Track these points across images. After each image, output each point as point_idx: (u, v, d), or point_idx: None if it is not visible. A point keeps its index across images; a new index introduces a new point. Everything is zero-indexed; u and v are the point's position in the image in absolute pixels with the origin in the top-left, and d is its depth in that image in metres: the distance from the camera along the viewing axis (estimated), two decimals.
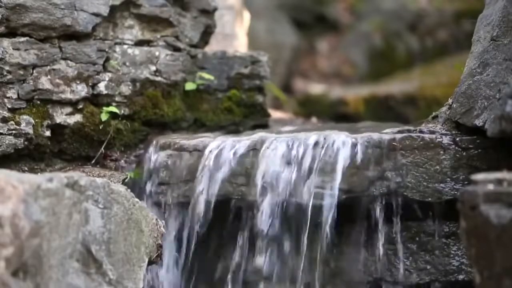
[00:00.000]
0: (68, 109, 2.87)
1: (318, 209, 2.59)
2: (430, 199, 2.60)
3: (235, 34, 4.16)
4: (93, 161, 2.91)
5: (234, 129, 3.13)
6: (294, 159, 2.63)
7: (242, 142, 2.71)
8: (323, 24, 7.18)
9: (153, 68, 3.02)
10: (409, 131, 2.68)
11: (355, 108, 5.46)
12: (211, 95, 3.14)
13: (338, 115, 5.33)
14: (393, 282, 2.63)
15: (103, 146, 2.91)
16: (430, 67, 5.99)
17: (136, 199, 2.31)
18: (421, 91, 5.36)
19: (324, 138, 2.66)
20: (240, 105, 3.15)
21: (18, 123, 2.74)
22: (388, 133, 2.68)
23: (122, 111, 2.95)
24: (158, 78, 3.02)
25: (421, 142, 2.61)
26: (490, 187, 1.92)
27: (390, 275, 2.63)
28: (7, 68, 2.74)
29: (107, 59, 2.93)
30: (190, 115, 3.10)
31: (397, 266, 2.63)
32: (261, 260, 2.65)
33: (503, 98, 2.29)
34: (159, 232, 2.36)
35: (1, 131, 2.71)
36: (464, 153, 2.61)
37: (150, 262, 2.35)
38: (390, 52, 6.77)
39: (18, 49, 2.75)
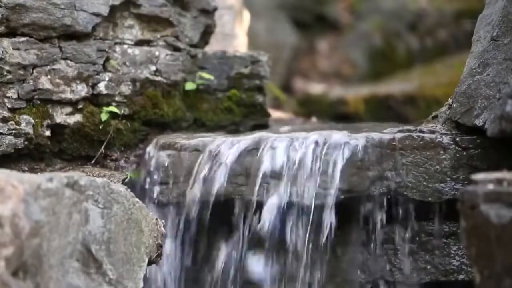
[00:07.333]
0: (68, 109, 2.87)
1: (318, 209, 2.59)
2: (430, 199, 2.60)
3: (235, 34, 4.16)
4: (93, 161, 2.91)
5: (234, 129, 3.13)
6: (294, 159, 2.63)
7: (242, 142, 2.71)
8: (323, 24, 7.18)
9: (153, 68, 3.02)
10: (409, 130, 2.68)
11: (355, 108, 5.46)
12: (211, 95, 3.14)
13: (338, 115, 5.33)
14: (393, 282, 2.63)
15: (103, 146, 2.91)
16: (430, 67, 5.99)
17: (136, 199, 2.30)
18: (421, 91, 5.36)
19: (324, 138, 2.66)
20: (240, 105, 3.15)
21: (18, 123, 2.74)
22: (388, 133, 2.68)
23: (122, 111, 2.95)
24: (158, 78, 3.02)
25: (421, 142, 2.61)
26: (490, 187, 1.92)
27: (390, 275, 2.63)
28: (7, 68, 2.73)
29: (107, 59, 2.93)
30: (190, 115, 3.10)
31: (397, 266, 2.63)
32: (261, 260, 2.65)
33: (503, 98, 2.30)
34: (159, 232, 2.36)
35: (1, 131, 2.71)
36: (464, 153, 2.61)
37: (150, 262, 2.35)
38: (390, 52, 6.77)
39: (18, 49, 2.75)
